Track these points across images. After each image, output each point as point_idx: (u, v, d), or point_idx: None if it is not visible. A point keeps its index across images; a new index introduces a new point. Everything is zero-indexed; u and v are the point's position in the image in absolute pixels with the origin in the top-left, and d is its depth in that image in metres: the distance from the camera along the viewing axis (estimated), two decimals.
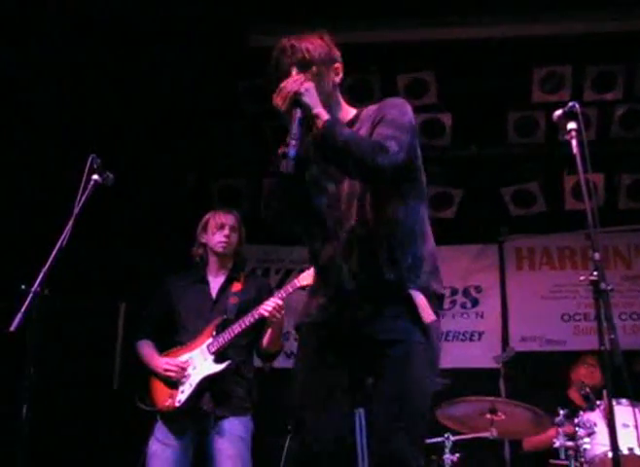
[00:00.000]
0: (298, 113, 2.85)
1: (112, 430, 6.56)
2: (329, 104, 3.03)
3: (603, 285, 2.98)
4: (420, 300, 2.91)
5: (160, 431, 4.44)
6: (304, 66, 3.01)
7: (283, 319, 4.44)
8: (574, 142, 3.25)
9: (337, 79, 3.15)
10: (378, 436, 2.88)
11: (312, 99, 2.88)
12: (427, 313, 2.90)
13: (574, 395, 6.12)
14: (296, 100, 2.86)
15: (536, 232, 7.73)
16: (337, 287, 3.00)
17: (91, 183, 3.67)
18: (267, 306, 4.34)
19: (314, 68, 3.02)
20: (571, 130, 3.26)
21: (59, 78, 6.22)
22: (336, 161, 2.93)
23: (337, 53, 3.17)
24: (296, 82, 2.91)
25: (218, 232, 4.68)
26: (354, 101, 6.74)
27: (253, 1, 6.12)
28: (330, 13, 6.31)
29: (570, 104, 3.28)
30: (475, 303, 7.70)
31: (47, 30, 5.81)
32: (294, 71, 2.98)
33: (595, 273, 3.02)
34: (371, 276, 2.94)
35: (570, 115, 3.28)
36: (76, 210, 3.59)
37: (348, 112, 3.19)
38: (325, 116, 2.87)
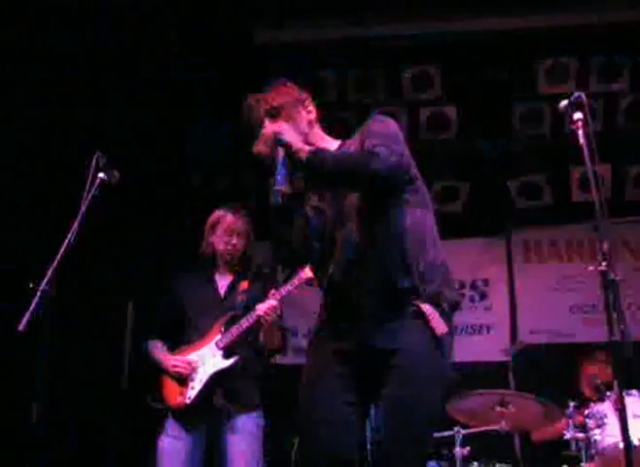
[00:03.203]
0: (280, 152, 2.97)
1: (121, 429, 6.57)
2: (309, 142, 3.13)
3: (612, 275, 2.97)
4: (431, 312, 2.91)
5: (172, 427, 4.43)
6: (275, 114, 3.15)
7: (280, 318, 4.45)
8: (580, 132, 3.23)
9: (311, 116, 3.27)
10: (382, 446, 2.91)
11: (291, 137, 3.00)
12: (439, 325, 2.90)
13: (585, 391, 6.06)
14: (276, 141, 2.99)
15: (543, 224, 7.71)
16: (347, 303, 3.03)
17: (97, 181, 3.68)
18: (263, 308, 4.35)
19: (284, 113, 3.15)
20: (577, 121, 3.25)
21: (65, 75, 6.22)
22: (331, 182, 3.03)
23: (304, 94, 3.30)
24: (272, 126, 3.07)
25: (226, 237, 4.67)
26: (360, 97, 6.82)
27: None
28: (333, 9, 6.31)
29: (576, 94, 3.27)
30: (483, 296, 7.68)
31: (49, 25, 5.81)
32: (266, 121, 3.13)
33: (604, 264, 3.00)
34: (383, 287, 2.95)
35: (576, 105, 3.26)
36: (82, 209, 3.59)
37: (332, 144, 3.27)
38: (306, 148, 2.98)
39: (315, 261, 3.25)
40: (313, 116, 3.27)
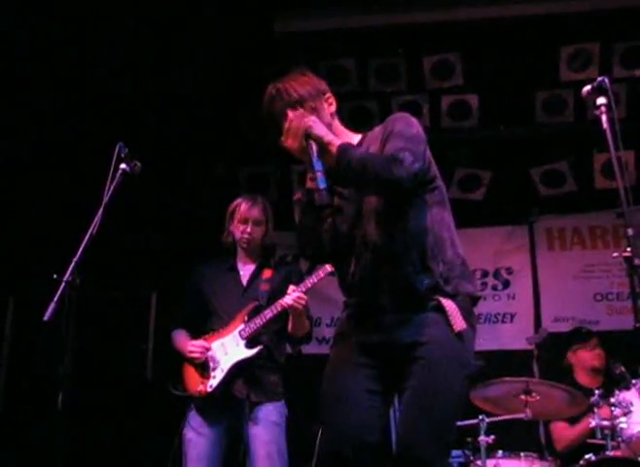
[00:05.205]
0: (313, 146, 2.94)
1: (146, 418, 6.61)
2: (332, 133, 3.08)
3: (637, 261, 2.94)
4: (451, 307, 2.92)
5: (194, 419, 4.46)
6: (297, 105, 3.09)
7: (306, 308, 4.45)
8: (604, 117, 3.19)
9: (332, 108, 3.22)
10: (403, 435, 2.91)
11: (321, 130, 2.98)
12: (458, 321, 2.91)
13: (581, 378, 6.00)
14: (307, 135, 2.95)
15: (566, 211, 7.66)
16: (369, 303, 3.04)
17: (120, 172, 3.67)
18: (289, 299, 4.35)
19: (307, 104, 3.09)
20: (601, 106, 3.21)
21: (88, 64, 6.24)
22: (355, 181, 2.98)
23: (324, 85, 3.24)
24: (299, 118, 3.00)
25: (241, 226, 4.69)
26: (381, 86, 6.79)
27: None
28: None
29: (599, 79, 3.23)
30: (506, 284, 7.65)
31: (70, 14, 5.83)
32: (289, 113, 3.07)
33: (629, 249, 2.98)
34: (402, 287, 2.96)
35: (599, 90, 3.22)
36: (105, 199, 3.60)
37: (352, 138, 3.22)
38: (337, 142, 2.95)
39: (336, 259, 3.25)
40: (334, 108, 3.23)
